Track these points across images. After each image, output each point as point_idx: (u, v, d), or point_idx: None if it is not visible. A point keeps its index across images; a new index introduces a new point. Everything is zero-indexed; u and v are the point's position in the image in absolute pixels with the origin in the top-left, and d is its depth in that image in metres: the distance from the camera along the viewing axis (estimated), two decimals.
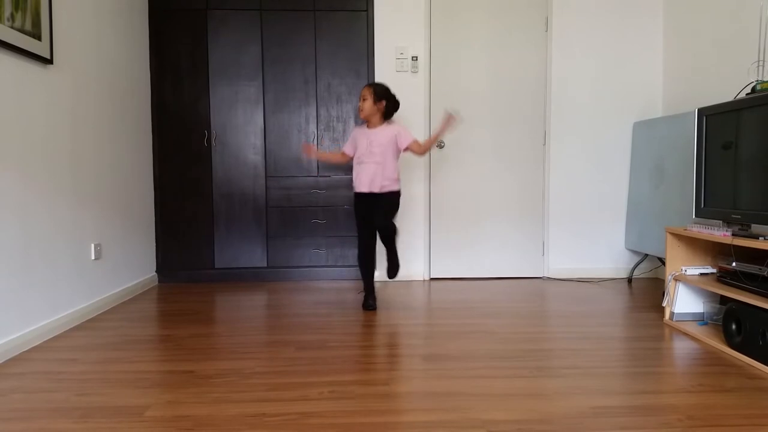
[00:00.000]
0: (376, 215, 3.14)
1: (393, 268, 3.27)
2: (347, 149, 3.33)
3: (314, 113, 4.04)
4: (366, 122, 3.24)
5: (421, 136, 4.03)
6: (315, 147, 3.24)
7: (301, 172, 4.05)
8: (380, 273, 4.08)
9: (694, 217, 2.79)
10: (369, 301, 3.23)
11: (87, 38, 3.09)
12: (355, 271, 4.10)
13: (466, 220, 4.14)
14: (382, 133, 3.18)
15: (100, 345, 2.55)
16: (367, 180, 3.14)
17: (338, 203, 4.08)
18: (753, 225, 2.43)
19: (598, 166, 4.14)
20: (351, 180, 4.34)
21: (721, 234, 2.49)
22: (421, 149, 3.20)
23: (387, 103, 3.18)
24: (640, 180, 3.92)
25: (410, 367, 2.23)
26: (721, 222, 2.61)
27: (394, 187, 3.19)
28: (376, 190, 3.14)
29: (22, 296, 2.48)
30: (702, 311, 2.82)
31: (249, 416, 1.77)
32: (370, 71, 4.02)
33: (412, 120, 4.03)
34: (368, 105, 3.15)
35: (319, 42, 4.01)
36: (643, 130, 3.93)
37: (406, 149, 3.19)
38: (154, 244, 4.03)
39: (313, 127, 4.05)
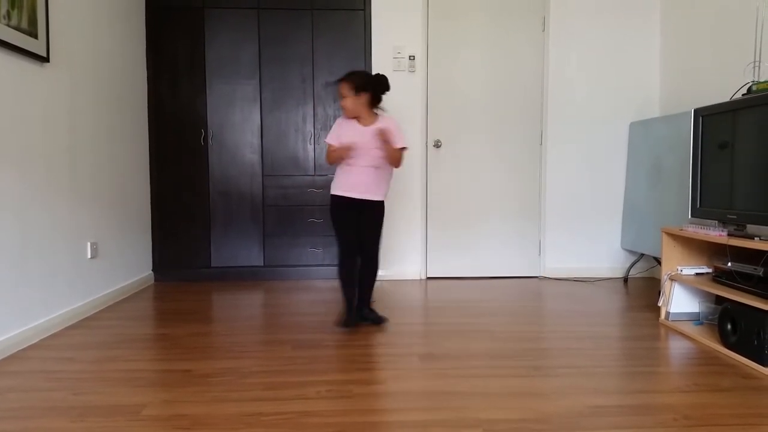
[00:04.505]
0: (368, 236, 2.79)
1: (373, 316, 2.85)
2: (332, 140, 2.78)
3: (311, 112, 4.04)
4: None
5: (419, 136, 4.04)
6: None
7: (298, 170, 4.05)
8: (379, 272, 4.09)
9: (690, 217, 2.80)
10: (350, 315, 2.78)
11: (83, 36, 3.08)
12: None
13: (463, 220, 4.14)
14: (373, 130, 2.70)
15: (97, 344, 2.54)
16: (362, 185, 2.74)
17: None
18: (748, 225, 2.44)
19: (595, 165, 4.15)
20: None
21: (716, 234, 2.50)
22: (398, 160, 2.77)
23: (372, 93, 2.74)
24: (637, 180, 3.93)
25: (407, 366, 2.23)
26: (716, 222, 2.62)
27: (383, 197, 2.82)
28: (369, 197, 2.76)
29: (19, 294, 2.48)
30: (697, 311, 2.83)
31: (246, 415, 1.77)
32: (368, 70, 4.01)
33: (410, 119, 4.03)
34: (350, 102, 2.72)
35: (317, 41, 4.00)
36: (640, 130, 3.94)
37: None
38: (151, 242, 4.02)
39: (310, 126, 4.04)
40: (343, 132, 2.76)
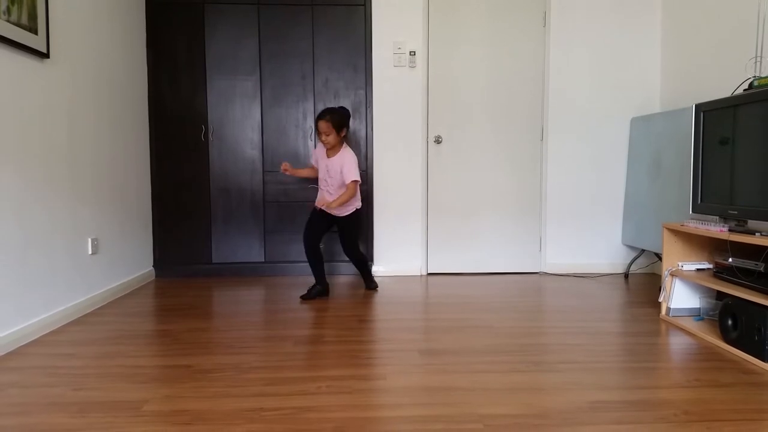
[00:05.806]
0: (346, 241, 3.44)
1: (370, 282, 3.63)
2: (314, 162, 3.48)
3: (311, 108, 4.03)
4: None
5: (419, 134, 4.03)
6: (290, 165, 3.44)
7: (298, 167, 4.04)
8: (379, 268, 4.10)
9: (691, 212, 2.80)
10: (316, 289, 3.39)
11: (84, 32, 3.07)
12: (353, 267, 4.10)
13: (464, 216, 4.14)
14: (337, 161, 3.28)
15: (98, 340, 2.54)
16: (323, 203, 3.32)
17: None
18: (749, 221, 2.44)
19: (596, 161, 4.15)
20: None
21: (717, 230, 2.49)
22: (343, 197, 3.25)
23: (347, 129, 3.35)
24: (638, 175, 3.92)
25: (407, 362, 2.23)
26: (717, 218, 2.62)
27: (349, 210, 3.37)
28: (331, 212, 3.35)
29: (20, 291, 2.48)
30: (698, 307, 2.83)
31: (247, 411, 1.78)
32: (368, 66, 4.01)
33: (410, 115, 4.03)
34: (333, 138, 3.22)
35: (317, 37, 3.99)
36: (641, 125, 3.93)
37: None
38: (152, 238, 4.02)
39: (310, 122, 4.04)
40: (319, 159, 3.37)
